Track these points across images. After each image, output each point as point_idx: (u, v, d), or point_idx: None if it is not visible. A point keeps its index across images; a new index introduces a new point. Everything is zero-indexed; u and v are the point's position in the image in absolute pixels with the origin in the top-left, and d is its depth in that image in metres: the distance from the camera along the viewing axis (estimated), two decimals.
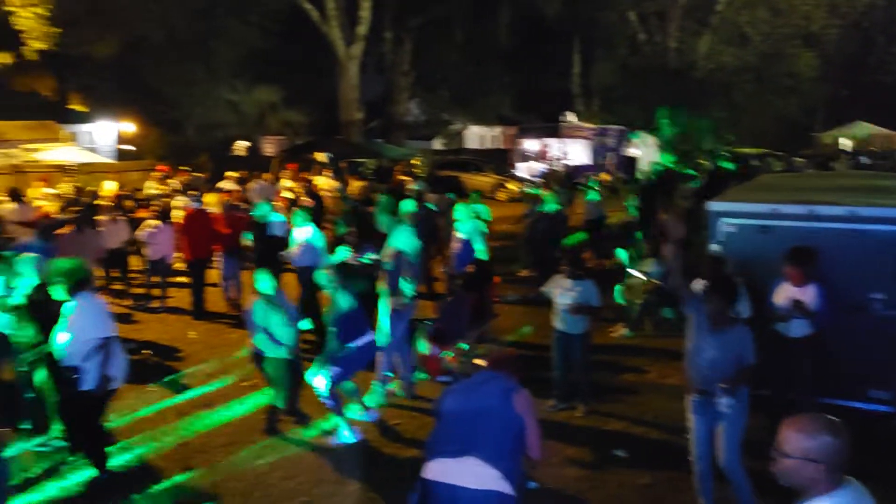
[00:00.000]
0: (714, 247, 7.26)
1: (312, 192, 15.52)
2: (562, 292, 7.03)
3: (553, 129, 29.90)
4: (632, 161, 30.34)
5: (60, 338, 5.51)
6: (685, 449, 5.27)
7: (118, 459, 6.17)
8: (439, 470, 3.90)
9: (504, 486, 3.85)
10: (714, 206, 7.50)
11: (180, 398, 7.75)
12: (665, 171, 20.15)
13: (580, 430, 6.81)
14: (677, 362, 5.86)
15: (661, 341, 9.10)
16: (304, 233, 9.57)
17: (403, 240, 8.36)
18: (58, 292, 5.56)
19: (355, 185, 17.22)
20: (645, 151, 30.98)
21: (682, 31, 33.95)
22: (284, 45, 30.57)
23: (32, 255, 6.68)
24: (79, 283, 5.56)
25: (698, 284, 6.29)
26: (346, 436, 6.56)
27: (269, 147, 32.94)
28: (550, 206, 12.28)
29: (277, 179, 18.29)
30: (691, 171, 20.80)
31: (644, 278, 9.44)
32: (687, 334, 5.05)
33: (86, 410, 5.61)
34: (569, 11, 32.99)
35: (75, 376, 5.42)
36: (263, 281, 6.61)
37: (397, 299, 7.42)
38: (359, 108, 30.80)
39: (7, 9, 19.01)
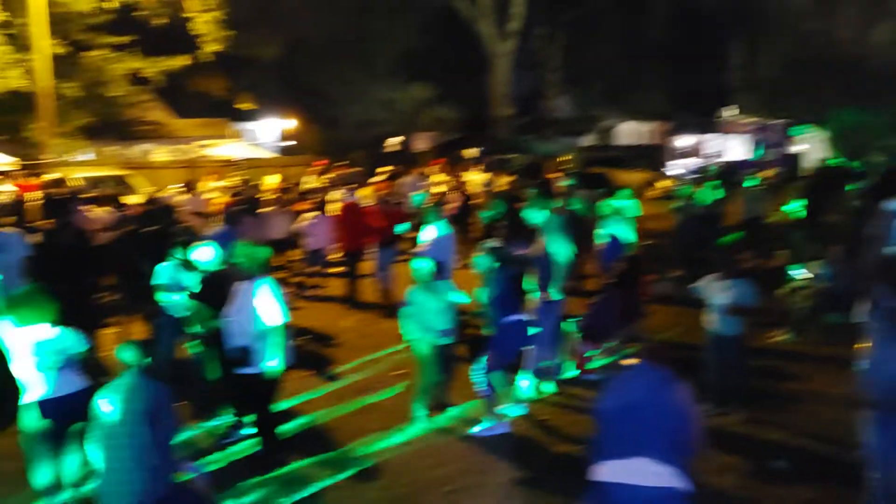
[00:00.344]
0: (893, 249, 6.73)
1: (460, 187, 15.71)
2: (716, 292, 6.75)
3: (709, 125, 28.75)
4: (795, 158, 28.67)
5: (236, 319, 5.80)
6: (853, 464, 4.90)
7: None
8: (613, 471, 3.88)
9: (680, 482, 3.82)
10: (891, 205, 6.96)
11: (333, 385, 8.04)
12: (833, 168, 18.88)
13: (737, 437, 6.49)
14: (845, 371, 5.46)
15: (826, 348, 8.53)
16: (432, 231, 9.39)
17: (553, 236, 8.30)
18: (237, 274, 5.83)
19: (503, 181, 17.27)
20: (811, 147, 29.18)
21: (857, 18, 31.61)
22: (437, 43, 31.11)
23: (212, 240, 7.14)
24: (259, 267, 5.83)
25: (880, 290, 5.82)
26: (496, 427, 6.60)
27: (420, 143, 33.66)
28: (703, 203, 11.82)
29: (428, 175, 18.63)
30: (859, 168, 19.35)
31: (809, 281, 8.90)
32: (862, 342, 4.68)
33: (257, 392, 5.86)
34: (730, 0, 31.56)
35: (247, 357, 5.70)
36: (422, 268, 6.75)
37: (546, 295, 7.37)
38: (508, 105, 30.88)
39: (186, 15, 20.45)
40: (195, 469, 4.84)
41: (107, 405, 4.36)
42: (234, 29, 21.46)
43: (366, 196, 12.11)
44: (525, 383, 7.40)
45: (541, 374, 7.57)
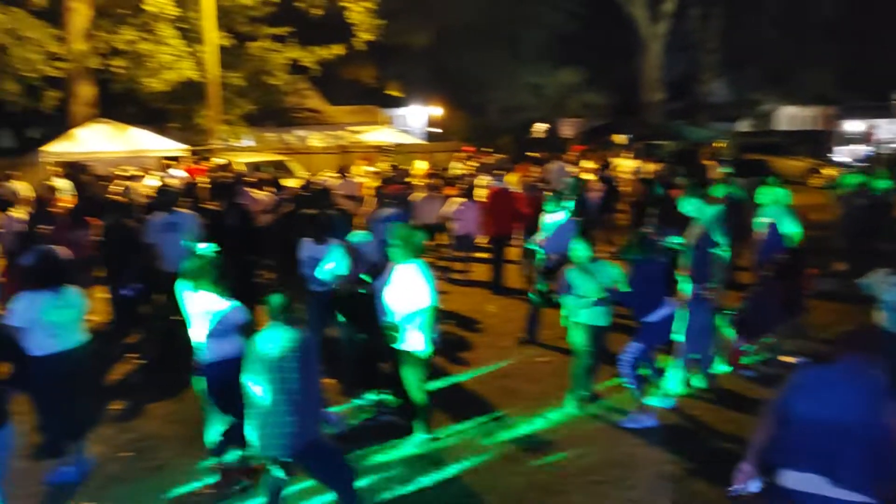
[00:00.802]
0: None
1: (605, 174, 15.41)
2: (887, 288, 6.28)
3: (883, 109, 26.67)
4: None
5: (389, 299, 5.97)
6: None
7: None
8: (803, 481, 3.61)
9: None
10: None
11: (477, 370, 8.12)
12: None
13: None
14: None
15: None
16: (555, 218, 9.09)
17: (707, 225, 7.98)
18: (396, 256, 5.97)
19: (653, 168, 16.79)
20: None
21: None
22: (586, 26, 30.59)
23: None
24: (414, 250, 5.94)
25: None
26: (643, 420, 6.48)
27: (567, 129, 33.32)
28: (873, 192, 10.99)
29: (576, 161, 18.41)
30: None
31: None
32: None
33: (405, 372, 6.03)
34: None
35: (397, 336, 5.87)
36: (580, 249, 6.71)
37: (699, 286, 7.12)
38: (660, 89, 29.95)
39: (342, 4, 21.20)
40: (337, 422, 5.07)
41: (259, 354, 4.61)
42: (385, 18, 22.04)
43: (513, 182, 12.12)
44: (675, 376, 7.20)
45: (691, 368, 7.33)
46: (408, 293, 5.82)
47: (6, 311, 5.69)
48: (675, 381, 7.19)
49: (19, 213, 10.07)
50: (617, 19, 30.28)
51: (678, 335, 6.93)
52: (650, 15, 28.68)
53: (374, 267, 6.86)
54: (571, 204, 9.32)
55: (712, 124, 32.11)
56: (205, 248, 5.98)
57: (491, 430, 6.57)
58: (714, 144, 23.25)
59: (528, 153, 18.05)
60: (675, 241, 7.52)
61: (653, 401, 6.71)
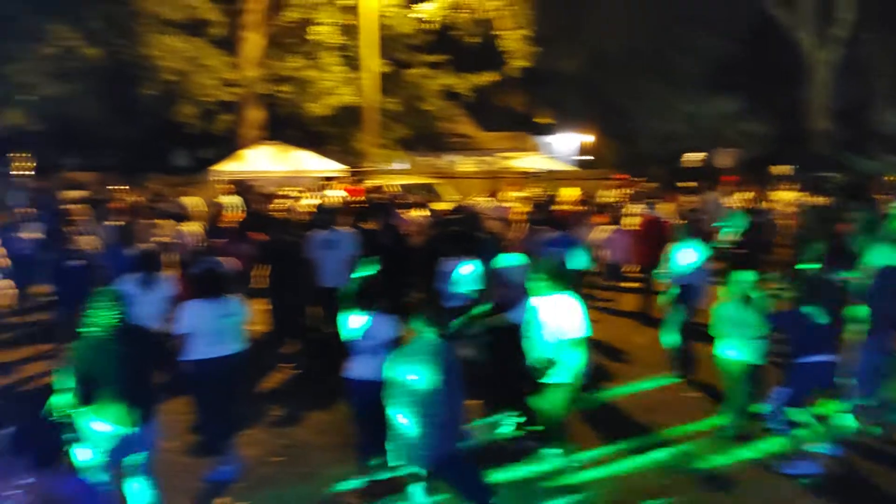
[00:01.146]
0: None
1: (760, 207, 14.68)
2: None
3: None
4: None
5: (537, 328, 5.88)
6: None
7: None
8: None
9: None
10: None
11: (623, 403, 7.90)
12: None
13: None
14: None
15: None
16: (687, 253, 8.61)
17: (881, 262, 7.43)
18: (545, 287, 5.88)
19: (820, 201, 15.83)
20: None
21: None
22: (746, 53, 29.46)
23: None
24: (564, 281, 5.88)
25: None
26: (804, 466, 6.06)
27: (723, 159, 32.07)
28: None
29: (731, 192, 17.67)
30: None
31: None
32: None
33: (549, 400, 5.92)
34: None
35: (545, 368, 5.78)
36: (740, 283, 6.43)
37: (872, 326, 6.62)
38: (827, 117, 28.31)
39: (496, 32, 21.52)
40: (474, 437, 5.11)
41: (405, 368, 4.72)
42: (538, 45, 22.17)
43: (667, 211, 11.79)
44: (843, 420, 6.71)
45: (862, 414, 6.80)
46: (559, 323, 5.74)
47: (173, 319, 6.11)
48: (842, 425, 6.70)
49: (191, 227, 10.82)
50: (781, 45, 28.94)
51: (849, 377, 6.46)
52: (818, 41, 27.22)
53: (519, 290, 6.82)
54: (697, 241, 8.81)
55: (884, 156, 29.92)
56: (366, 267, 6.19)
57: (634, 465, 6.36)
58: (886, 178, 21.66)
59: (681, 183, 17.49)
60: (846, 276, 7.05)
61: (816, 446, 6.27)
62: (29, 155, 14.95)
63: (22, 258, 10.38)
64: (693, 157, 31.47)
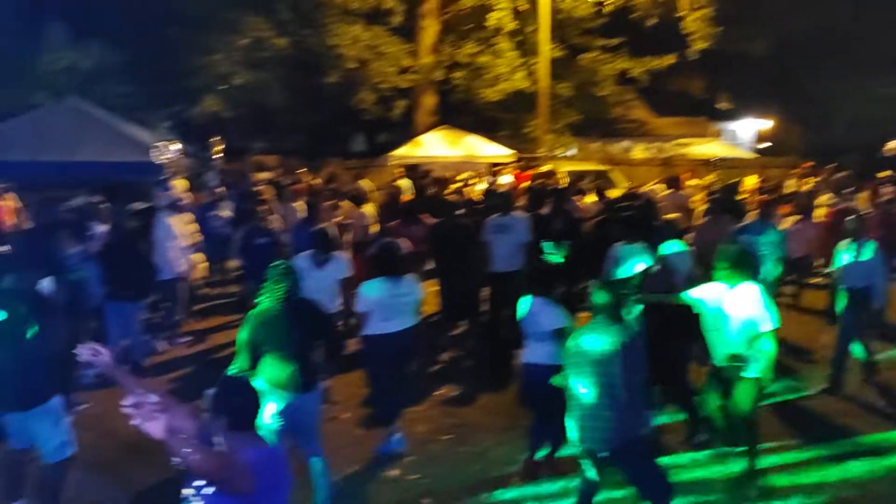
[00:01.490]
0: None
1: None
2: None
3: None
4: None
5: (729, 321, 5.59)
6: None
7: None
8: None
9: None
10: None
11: (805, 405, 7.50)
12: None
13: None
14: None
15: None
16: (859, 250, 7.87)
17: None
18: (729, 276, 5.60)
19: None
20: None
21: None
22: None
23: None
24: (741, 271, 5.59)
25: None
26: None
27: None
28: None
29: None
30: None
31: None
32: None
33: (738, 396, 5.64)
34: None
35: (739, 364, 5.52)
36: None
37: None
38: None
39: (680, 14, 20.64)
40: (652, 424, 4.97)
41: (583, 351, 4.64)
42: (721, 25, 21.10)
43: (861, 202, 10.89)
44: None
45: None
46: (747, 314, 5.46)
47: (354, 297, 6.37)
48: None
49: (368, 210, 11.22)
50: None
51: None
52: None
53: (690, 279, 6.52)
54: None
55: None
56: (554, 252, 6.18)
57: (831, 473, 5.96)
58: None
59: (878, 173, 16.05)
60: None
61: None
62: (220, 139, 16.14)
63: (214, 235, 11.21)
64: (892, 145, 28.89)
